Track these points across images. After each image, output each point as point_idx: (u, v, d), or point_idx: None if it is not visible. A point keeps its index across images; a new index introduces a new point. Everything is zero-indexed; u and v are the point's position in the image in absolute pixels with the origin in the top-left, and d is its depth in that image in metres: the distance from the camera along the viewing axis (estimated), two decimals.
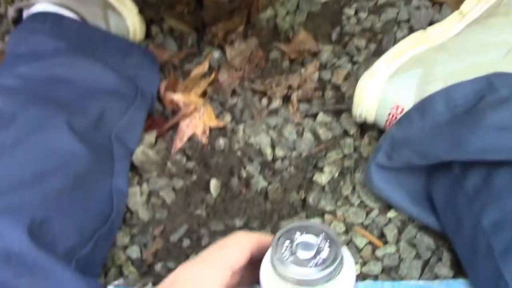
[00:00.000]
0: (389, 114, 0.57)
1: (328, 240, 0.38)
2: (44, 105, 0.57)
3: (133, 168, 0.63)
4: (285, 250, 0.38)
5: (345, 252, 0.39)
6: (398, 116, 0.56)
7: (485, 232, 0.45)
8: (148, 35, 0.78)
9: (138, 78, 0.68)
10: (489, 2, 0.58)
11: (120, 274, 0.56)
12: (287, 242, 0.38)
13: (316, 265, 0.37)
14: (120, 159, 0.60)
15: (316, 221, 0.40)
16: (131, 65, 0.69)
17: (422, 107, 0.53)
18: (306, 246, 0.38)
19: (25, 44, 0.65)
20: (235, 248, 0.38)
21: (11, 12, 0.72)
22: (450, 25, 0.59)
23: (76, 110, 0.58)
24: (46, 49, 0.63)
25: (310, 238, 0.39)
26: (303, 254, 0.38)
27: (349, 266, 0.40)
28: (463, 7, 0.60)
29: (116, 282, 0.55)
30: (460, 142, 0.46)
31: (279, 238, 0.38)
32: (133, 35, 0.75)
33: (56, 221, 0.49)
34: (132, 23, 0.75)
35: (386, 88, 0.57)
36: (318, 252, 0.38)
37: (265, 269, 0.40)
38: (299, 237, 0.39)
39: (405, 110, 0.55)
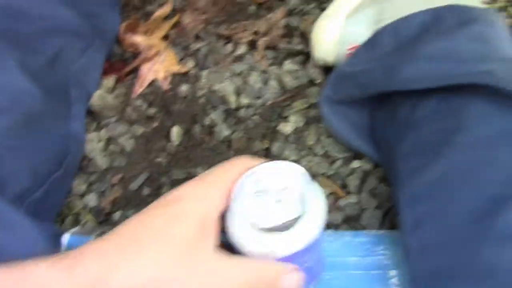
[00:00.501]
0: (347, 54, 0.57)
1: (294, 178, 0.38)
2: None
3: (91, 113, 0.61)
4: (249, 195, 0.37)
5: (313, 186, 0.39)
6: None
7: (399, 159, 0.46)
8: None
9: (97, 17, 0.64)
10: None
11: (77, 222, 0.54)
12: (251, 185, 0.38)
13: (281, 207, 0.37)
14: (77, 102, 0.58)
15: (281, 161, 0.39)
16: (91, 1, 0.65)
17: (370, 41, 0.53)
18: (269, 190, 0.37)
19: None
20: (241, 169, 0.37)
21: None
22: None
23: (30, 47, 0.55)
24: None
25: (274, 179, 0.38)
26: (268, 198, 0.37)
27: (318, 201, 0.39)
28: None
29: (72, 230, 0.53)
30: (393, 72, 0.47)
31: (242, 182, 0.38)
32: None
33: (7, 161, 0.46)
34: None
35: (343, 29, 0.57)
36: (284, 192, 0.37)
37: (231, 217, 0.39)
38: (264, 179, 0.38)
39: None
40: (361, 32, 0.55)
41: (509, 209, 0.38)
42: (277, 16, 0.67)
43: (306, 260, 0.41)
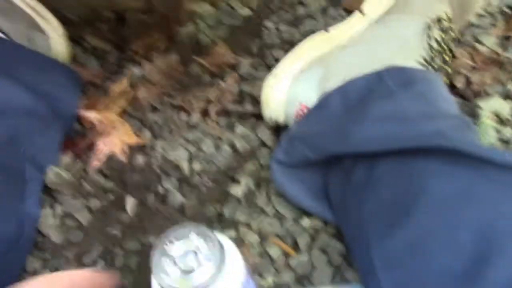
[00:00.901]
0: (296, 114, 0.58)
1: (201, 237, 0.39)
2: None
3: (46, 190, 0.62)
4: (165, 266, 0.38)
5: (223, 239, 0.40)
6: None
7: (363, 223, 0.46)
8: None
9: (56, 97, 0.66)
10: (388, 2, 0.60)
11: None
12: (163, 258, 0.38)
13: (200, 268, 0.37)
14: (32, 181, 0.58)
15: (185, 224, 0.40)
16: (49, 82, 0.66)
17: (319, 104, 0.55)
18: (184, 253, 0.38)
19: None
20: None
21: None
22: (352, 24, 0.61)
23: None
24: None
25: (183, 243, 0.39)
26: (185, 263, 0.38)
27: (233, 251, 0.40)
28: (363, 6, 0.61)
29: None
30: (345, 134, 0.48)
31: (155, 260, 0.38)
32: (55, 55, 0.73)
33: None
34: (54, 44, 0.73)
35: (290, 88, 0.58)
36: (197, 253, 0.38)
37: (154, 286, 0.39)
38: (174, 248, 0.39)
39: (309, 107, 0.56)
40: (306, 92, 0.57)
41: (491, 268, 0.37)
42: (228, 83, 0.70)
43: None
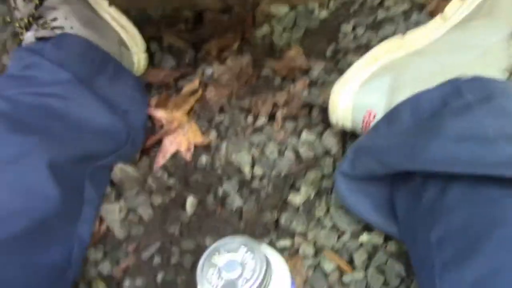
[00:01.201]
0: (363, 120, 0.56)
1: (250, 251, 0.38)
2: (28, 135, 0.52)
3: (113, 184, 0.64)
4: (210, 276, 0.37)
5: (272, 255, 0.39)
6: (371, 122, 0.55)
7: (431, 248, 0.42)
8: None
9: (130, 115, 0.64)
10: (471, 6, 0.56)
11: None
12: (211, 269, 0.38)
13: (244, 282, 0.37)
14: (89, 204, 0.57)
15: (233, 236, 0.39)
16: (125, 95, 0.66)
17: (389, 115, 0.52)
18: (230, 265, 0.37)
19: (23, 66, 0.59)
20: None
21: (30, 37, 0.64)
22: (431, 29, 0.57)
23: (62, 147, 0.54)
24: (43, 75, 0.58)
25: (231, 256, 0.38)
26: (229, 275, 0.37)
27: (280, 268, 0.39)
28: (445, 11, 0.57)
29: None
30: (417, 151, 0.44)
31: (202, 264, 0.38)
32: (136, 69, 0.74)
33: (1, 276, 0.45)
34: (137, 59, 0.74)
35: (359, 94, 0.56)
36: (243, 267, 0.37)
37: None
38: (221, 259, 0.38)
39: (378, 115, 0.54)
40: (375, 99, 0.55)
41: None
42: (298, 87, 0.69)
43: None
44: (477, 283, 0.38)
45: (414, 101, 0.50)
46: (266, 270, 0.37)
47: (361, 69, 0.58)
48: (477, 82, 0.48)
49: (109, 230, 0.61)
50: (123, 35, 0.72)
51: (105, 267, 0.58)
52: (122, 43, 0.71)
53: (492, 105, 0.45)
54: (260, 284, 0.36)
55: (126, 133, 0.62)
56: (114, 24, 0.71)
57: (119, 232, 0.60)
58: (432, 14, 0.73)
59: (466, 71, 0.49)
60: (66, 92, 0.58)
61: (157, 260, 0.57)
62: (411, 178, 0.47)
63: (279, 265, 0.39)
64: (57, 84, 0.58)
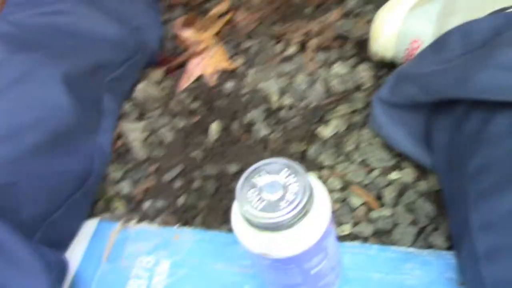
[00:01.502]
0: (407, 49, 0.53)
1: (293, 174, 0.36)
2: (37, 52, 0.52)
3: (136, 104, 0.62)
4: (251, 196, 0.36)
5: (315, 183, 0.37)
6: (415, 51, 0.52)
7: (467, 177, 0.41)
8: None
9: (141, 30, 0.64)
10: None
11: (108, 207, 0.56)
12: (251, 187, 0.36)
13: (287, 205, 0.35)
14: (108, 115, 0.57)
15: (277, 158, 0.38)
16: (136, 13, 0.65)
17: (437, 43, 0.49)
18: (271, 186, 0.36)
19: None
20: None
21: None
22: None
23: (74, 59, 0.54)
24: None
25: (273, 177, 0.36)
26: (270, 197, 0.36)
27: (322, 197, 0.38)
28: None
29: (103, 216, 0.54)
30: (465, 79, 0.42)
31: (242, 184, 0.36)
32: None
33: (25, 184, 0.45)
34: None
35: (405, 21, 0.53)
36: (285, 189, 0.36)
37: (236, 220, 0.38)
38: (262, 180, 0.36)
39: (423, 44, 0.52)
40: (422, 27, 0.52)
41: None
42: (332, 17, 0.65)
43: (313, 264, 0.39)
44: None
45: (465, 30, 0.47)
46: (309, 195, 0.35)
47: None
48: None
49: (129, 149, 0.59)
50: None
51: (125, 186, 0.56)
52: None
53: None
54: (303, 208, 0.35)
55: (136, 42, 0.62)
56: None
57: (140, 152, 0.59)
58: None
59: None
60: (71, 8, 0.59)
61: (178, 183, 0.56)
62: (453, 109, 0.46)
63: (321, 193, 0.38)
64: (62, 2, 0.58)
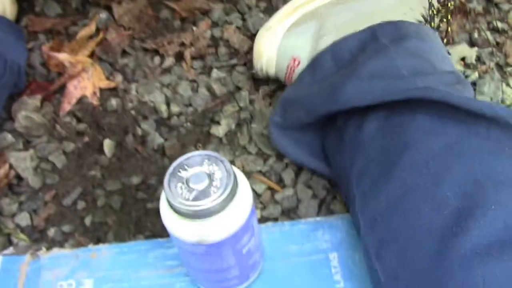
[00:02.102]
0: (288, 66, 0.57)
1: (214, 163, 0.39)
2: None
3: (19, 133, 0.59)
4: (179, 189, 0.38)
5: (236, 172, 0.40)
6: (296, 69, 0.57)
7: (352, 183, 0.45)
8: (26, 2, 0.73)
9: (4, 52, 0.61)
10: None
11: (10, 243, 0.52)
12: (178, 181, 0.38)
13: (216, 190, 0.38)
14: None
15: (196, 152, 0.40)
16: None
17: (312, 64, 0.53)
18: (197, 177, 0.38)
19: None
20: None
21: None
22: None
23: None
24: None
25: (196, 169, 0.39)
26: (198, 186, 0.38)
27: (243, 179, 0.41)
28: None
29: (5, 252, 0.51)
30: (333, 93, 0.47)
31: (169, 180, 0.38)
32: (3, 11, 0.67)
33: None
34: (1, 2, 0.66)
35: (283, 42, 0.57)
36: (211, 177, 0.38)
37: (167, 216, 0.39)
38: (187, 173, 0.39)
39: (302, 62, 0.56)
40: (299, 46, 0.56)
41: (473, 224, 0.36)
42: (201, 28, 0.69)
43: (244, 243, 0.41)
44: (391, 206, 0.40)
45: (335, 49, 0.52)
46: (234, 178, 0.38)
47: (284, 17, 0.58)
48: (392, 26, 0.51)
49: (21, 180, 0.57)
50: None
51: (23, 218, 0.54)
52: None
53: (405, 46, 0.48)
54: (230, 191, 0.38)
55: (2, 65, 0.59)
56: None
57: (33, 181, 0.56)
58: None
59: (383, 18, 0.52)
60: None
61: (81, 204, 0.55)
62: (335, 122, 0.50)
63: (241, 176, 0.41)
64: None
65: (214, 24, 0.71)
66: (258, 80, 0.65)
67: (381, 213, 0.41)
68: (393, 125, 0.44)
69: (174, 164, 0.39)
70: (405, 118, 0.43)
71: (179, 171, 0.39)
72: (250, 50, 0.66)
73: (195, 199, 0.37)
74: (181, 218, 0.38)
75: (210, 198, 0.37)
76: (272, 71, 0.60)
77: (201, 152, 0.40)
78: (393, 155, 0.42)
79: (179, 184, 0.38)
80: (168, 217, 0.39)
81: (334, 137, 0.51)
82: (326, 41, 0.54)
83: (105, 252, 0.50)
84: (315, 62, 0.53)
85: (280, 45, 0.57)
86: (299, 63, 0.56)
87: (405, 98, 0.43)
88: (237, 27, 0.70)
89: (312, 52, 0.55)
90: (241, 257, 0.43)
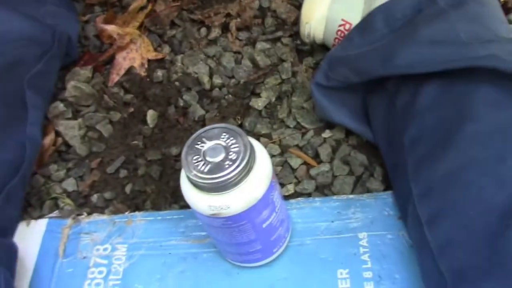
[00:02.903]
0: (337, 31, 0.55)
1: (232, 137, 0.38)
2: None
3: (69, 103, 0.62)
4: (196, 161, 0.38)
5: (254, 142, 0.40)
6: (346, 33, 0.54)
7: (404, 149, 0.44)
8: None
9: (56, 24, 0.64)
10: None
11: (56, 206, 0.56)
12: (195, 154, 0.38)
13: (231, 163, 0.37)
14: (34, 108, 0.57)
15: (215, 124, 0.40)
16: (47, 12, 0.65)
17: (362, 24, 0.51)
18: (213, 150, 0.38)
19: None
20: None
21: None
22: None
23: None
24: None
25: (214, 142, 0.39)
26: (214, 159, 0.38)
27: (262, 154, 0.40)
28: None
29: (51, 214, 0.54)
30: (391, 56, 0.45)
31: (186, 152, 0.38)
32: None
33: None
34: None
35: (333, 4, 0.55)
36: (227, 150, 0.38)
37: (185, 188, 0.40)
38: (204, 145, 0.39)
39: (353, 26, 0.53)
40: (351, 9, 0.54)
41: None
42: None
43: (263, 218, 0.41)
44: (450, 177, 0.39)
45: (387, 9, 0.50)
46: (250, 153, 0.38)
47: None
48: None
49: (69, 147, 0.60)
50: None
51: (70, 184, 0.57)
52: None
53: (464, 10, 0.46)
54: (245, 166, 0.37)
55: (51, 38, 0.62)
56: None
57: (80, 148, 0.59)
58: None
59: None
60: None
61: (123, 173, 0.57)
62: (385, 86, 0.49)
63: (261, 151, 0.41)
64: None
65: None
66: (302, 52, 0.63)
67: (438, 182, 0.40)
68: (454, 94, 0.42)
69: (193, 137, 0.40)
70: (467, 87, 0.42)
71: (197, 144, 0.39)
72: (297, 20, 0.65)
73: (210, 172, 0.37)
74: (197, 191, 0.39)
75: (224, 172, 0.37)
76: (320, 36, 0.58)
77: (220, 124, 0.40)
78: (454, 125, 0.41)
79: (196, 157, 0.38)
80: (186, 190, 0.40)
81: (383, 101, 0.49)
82: (380, 3, 0.51)
83: (140, 219, 0.52)
84: (366, 21, 0.51)
85: (330, 7, 0.55)
86: (350, 26, 0.54)
87: (469, 66, 0.41)
88: None
89: (364, 14, 0.53)
90: (261, 232, 0.43)
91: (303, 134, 0.57)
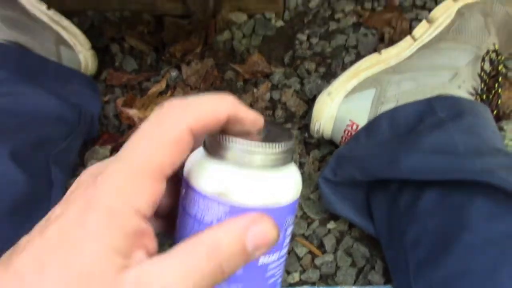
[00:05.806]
0: (345, 130, 0.60)
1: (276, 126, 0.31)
2: None
3: None
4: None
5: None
6: (353, 133, 0.59)
7: (405, 249, 0.47)
8: (108, 54, 0.81)
9: (81, 105, 0.68)
10: (439, 28, 0.62)
11: None
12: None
13: (272, 143, 0.27)
14: (57, 185, 0.59)
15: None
16: (73, 91, 0.69)
17: (369, 126, 0.56)
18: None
19: None
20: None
21: None
22: (403, 48, 0.63)
23: (18, 136, 0.57)
24: None
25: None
26: (250, 136, 0.27)
27: (296, 172, 0.30)
28: (415, 32, 0.63)
29: None
30: (395, 161, 0.49)
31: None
32: (85, 69, 0.76)
33: None
34: (84, 58, 0.74)
35: (343, 106, 0.60)
36: (268, 132, 0.29)
37: (196, 158, 0.29)
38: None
39: (360, 127, 0.58)
40: (358, 111, 0.59)
41: None
42: (261, 90, 0.74)
43: (287, 225, 0.29)
44: (447, 281, 0.43)
45: (392, 115, 0.55)
46: (293, 150, 0.29)
47: (345, 81, 0.62)
48: (449, 101, 0.54)
49: None
50: (65, 35, 0.73)
51: None
52: (61, 42, 0.72)
53: (462, 122, 0.51)
54: (286, 152, 0.28)
55: (76, 117, 0.65)
56: (53, 25, 0.71)
57: None
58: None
59: (441, 91, 0.55)
60: (8, 89, 0.61)
61: None
62: (388, 185, 0.53)
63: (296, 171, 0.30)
64: (0, 85, 0.60)
65: (274, 87, 0.75)
66: (309, 145, 0.68)
67: (439, 283, 0.43)
68: (452, 203, 0.46)
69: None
70: (464, 197, 0.45)
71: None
72: (305, 114, 0.70)
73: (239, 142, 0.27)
74: (214, 160, 0.27)
75: (264, 144, 0.27)
76: (328, 133, 0.62)
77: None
78: (452, 233, 0.44)
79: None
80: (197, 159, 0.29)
81: (385, 200, 0.53)
82: (386, 107, 0.57)
83: None
84: (372, 125, 0.56)
85: (340, 108, 0.60)
86: (357, 127, 0.59)
87: (467, 179, 0.45)
88: (295, 91, 0.74)
89: (371, 117, 0.58)
90: (252, 270, 0.28)
91: (309, 224, 0.60)
